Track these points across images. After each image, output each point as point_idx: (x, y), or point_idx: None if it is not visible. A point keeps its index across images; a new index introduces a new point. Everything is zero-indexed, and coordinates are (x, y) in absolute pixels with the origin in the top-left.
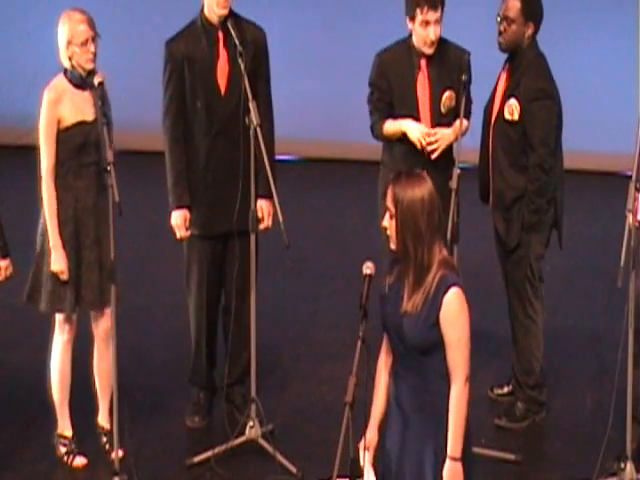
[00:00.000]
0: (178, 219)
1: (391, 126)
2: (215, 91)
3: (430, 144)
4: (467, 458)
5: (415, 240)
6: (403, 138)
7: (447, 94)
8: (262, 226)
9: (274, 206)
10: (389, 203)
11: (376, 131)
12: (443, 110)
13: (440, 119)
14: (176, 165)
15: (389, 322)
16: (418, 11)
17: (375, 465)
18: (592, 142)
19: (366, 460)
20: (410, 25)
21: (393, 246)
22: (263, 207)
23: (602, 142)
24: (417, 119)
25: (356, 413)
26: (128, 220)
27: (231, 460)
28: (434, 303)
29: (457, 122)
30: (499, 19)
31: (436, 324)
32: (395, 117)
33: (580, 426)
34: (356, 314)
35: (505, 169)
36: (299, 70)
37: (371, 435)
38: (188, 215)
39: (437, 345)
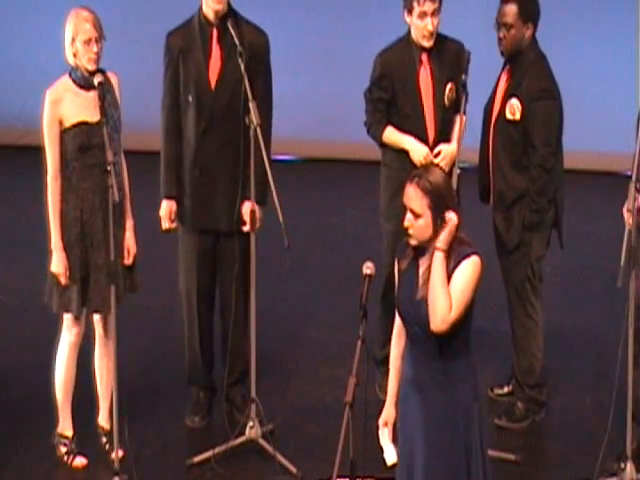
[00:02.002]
0: (164, 210)
1: (393, 137)
2: (205, 86)
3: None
4: (484, 458)
5: (445, 225)
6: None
7: (449, 86)
8: (245, 228)
9: (263, 210)
10: (413, 204)
11: (373, 132)
12: (447, 103)
13: (444, 112)
14: (166, 156)
15: (405, 310)
16: (415, 3)
17: (395, 442)
18: (592, 142)
19: (385, 436)
20: (408, 19)
21: (415, 242)
22: (246, 212)
23: (602, 142)
24: (421, 114)
25: (356, 413)
26: None
27: (231, 460)
28: (451, 274)
29: (455, 131)
30: (497, 26)
31: None
32: (398, 116)
33: (580, 426)
34: (356, 314)
35: (506, 169)
36: (299, 70)
37: (389, 412)
38: (174, 207)
39: (456, 326)
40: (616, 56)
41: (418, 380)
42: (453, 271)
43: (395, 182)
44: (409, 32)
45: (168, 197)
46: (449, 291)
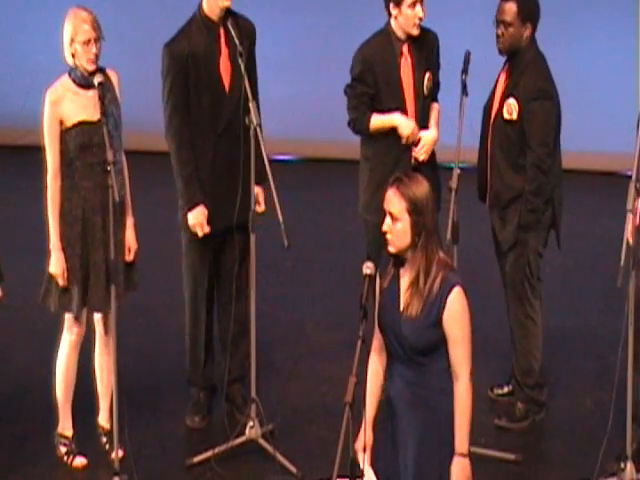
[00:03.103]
0: (198, 216)
1: (379, 120)
2: (220, 88)
3: (415, 146)
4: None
5: (425, 238)
6: (388, 133)
7: (427, 75)
8: (259, 209)
9: (268, 192)
10: (392, 206)
11: (359, 125)
12: (426, 92)
13: (423, 101)
14: (186, 167)
15: (386, 325)
16: None
17: (374, 464)
18: (592, 142)
19: (365, 461)
20: (395, 11)
21: (393, 249)
22: (258, 193)
23: (602, 142)
24: (403, 105)
25: (356, 413)
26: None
27: (231, 460)
28: (436, 304)
29: (433, 117)
30: (496, 23)
31: (436, 323)
32: (380, 109)
33: (580, 426)
34: (355, 314)
35: (503, 169)
36: (299, 70)
37: (367, 436)
38: (205, 211)
39: (436, 345)
40: (616, 56)
41: (398, 396)
42: (441, 308)
43: (378, 175)
44: (388, 24)
45: (197, 204)
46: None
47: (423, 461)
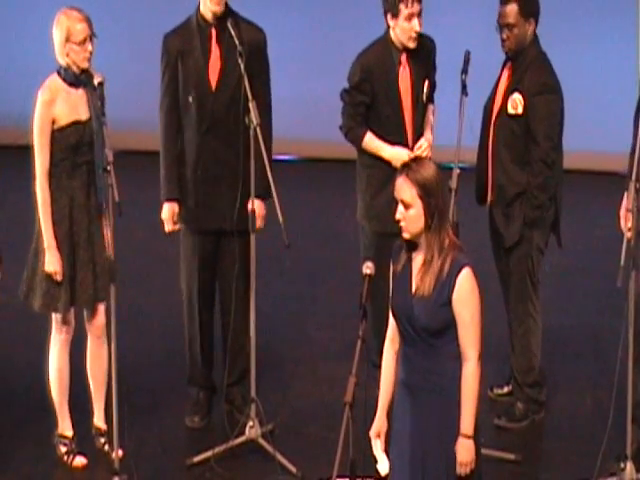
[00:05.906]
0: (166, 212)
1: (372, 145)
2: (206, 87)
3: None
4: (476, 438)
5: (438, 218)
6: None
7: (426, 83)
8: (258, 223)
9: (266, 208)
10: (403, 194)
11: (353, 136)
12: (424, 98)
13: (422, 108)
14: (166, 158)
15: (398, 308)
16: (402, 6)
17: (387, 451)
18: (592, 142)
19: (378, 447)
20: (392, 22)
21: (408, 235)
22: (260, 207)
23: (602, 142)
24: (400, 114)
25: (356, 413)
26: (127, 219)
27: (231, 460)
28: (446, 284)
29: (428, 121)
30: (499, 28)
31: (447, 303)
32: (377, 118)
33: (580, 426)
34: (356, 314)
35: (507, 164)
36: (299, 70)
37: (380, 422)
38: (176, 209)
39: (448, 326)
40: (616, 56)
41: (410, 381)
42: (451, 288)
43: (376, 182)
44: (387, 33)
45: (170, 199)
46: (469, 400)
47: (429, 446)
